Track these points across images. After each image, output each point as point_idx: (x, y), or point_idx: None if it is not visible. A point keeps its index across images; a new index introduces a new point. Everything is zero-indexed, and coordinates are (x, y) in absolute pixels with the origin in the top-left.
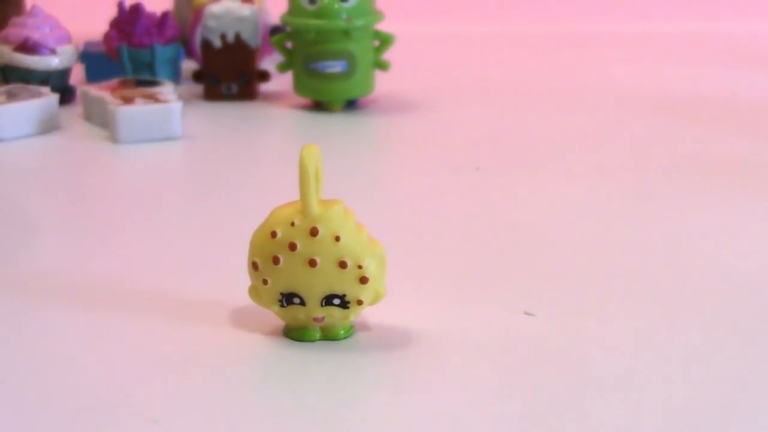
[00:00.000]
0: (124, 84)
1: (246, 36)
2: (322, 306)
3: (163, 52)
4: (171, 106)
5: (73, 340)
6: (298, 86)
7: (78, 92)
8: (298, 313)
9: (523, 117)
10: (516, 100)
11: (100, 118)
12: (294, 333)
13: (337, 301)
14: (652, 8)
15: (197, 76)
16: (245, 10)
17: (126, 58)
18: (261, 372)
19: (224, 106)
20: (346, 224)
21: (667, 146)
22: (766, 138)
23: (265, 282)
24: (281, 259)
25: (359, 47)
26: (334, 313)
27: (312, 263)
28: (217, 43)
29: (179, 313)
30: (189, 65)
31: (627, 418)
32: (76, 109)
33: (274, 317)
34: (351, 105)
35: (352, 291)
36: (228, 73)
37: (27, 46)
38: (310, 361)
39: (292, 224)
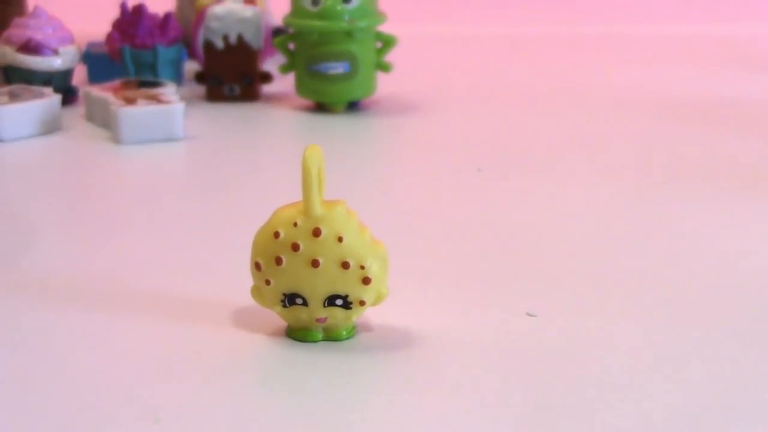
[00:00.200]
0: (126, 85)
1: (248, 37)
2: (324, 306)
3: (165, 53)
4: (173, 107)
5: (74, 340)
6: (301, 88)
7: (80, 93)
8: (300, 313)
9: (524, 119)
10: (517, 101)
11: (102, 119)
12: (296, 333)
13: (339, 302)
14: (653, 10)
15: (199, 78)
16: (248, 11)
17: (128, 59)
18: (263, 372)
19: (226, 107)
20: (348, 225)
21: (667, 148)
22: (766, 140)
23: (267, 282)
24: (284, 260)
25: (361, 49)
26: (337, 313)
27: (315, 264)
28: (219, 44)
29: (181, 313)
30: (191, 66)
31: (628, 419)
32: (78, 110)
33: (276, 318)
34: (353, 106)
35: (354, 291)
36: (230, 74)
37: (29, 47)
38: (313, 361)
39: (295, 225)
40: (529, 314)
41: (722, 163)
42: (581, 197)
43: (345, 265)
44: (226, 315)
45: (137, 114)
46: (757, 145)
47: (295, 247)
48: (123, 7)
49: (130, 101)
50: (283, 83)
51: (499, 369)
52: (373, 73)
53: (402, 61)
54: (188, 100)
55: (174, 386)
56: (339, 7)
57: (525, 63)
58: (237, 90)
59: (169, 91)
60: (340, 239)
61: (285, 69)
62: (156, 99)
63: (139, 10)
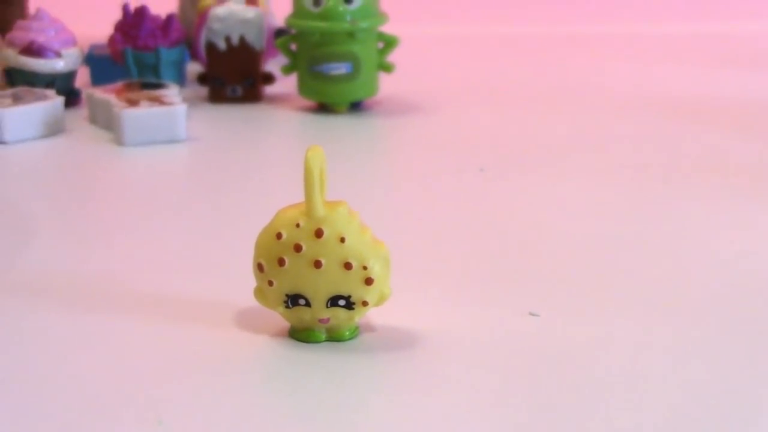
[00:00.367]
0: (129, 87)
1: (250, 38)
2: (327, 307)
3: (167, 55)
4: (176, 109)
5: (77, 341)
6: (303, 88)
7: (83, 95)
8: (303, 314)
9: (526, 118)
10: (520, 101)
11: (105, 121)
12: (299, 334)
13: (342, 302)
14: (654, 11)
15: (202, 79)
16: (250, 12)
17: (131, 60)
18: (266, 373)
19: (229, 108)
20: (350, 225)
21: (670, 147)
22: (766, 140)
23: (270, 283)
24: (286, 261)
25: (363, 49)
26: (340, 314)
27: (317, 264)
28: (221, 45)
29: (184, 314)
30: (194, 68)
31: (629, 419)
32: (81, 112)
33: (279, 318)
34: (355, 107)
35: (357, 292)
36: (233, 75)
37: (32, 49)
38: (316, 362)
39: (297, 226)
40: (531, 314)
41: (722, 163)
42: (583, 197)
43: (347, 266)
44: (229, 316)
45: (140, 116)
46: (757, 145)
47: (298, 248)
48: (125, 8)
49: (132, 103)
50: (285, 84)
51: (501, 369)
52: (375, 74)
53: (404, 62)
54: (191, 102)
55: (177, 387)
56: (341, 8)
57: (527, 63)
58: (239, 91)
59: (171, 92)
60: (342, 240)
61: (287, 70)
62: (159, 101)
63: (142, 11)
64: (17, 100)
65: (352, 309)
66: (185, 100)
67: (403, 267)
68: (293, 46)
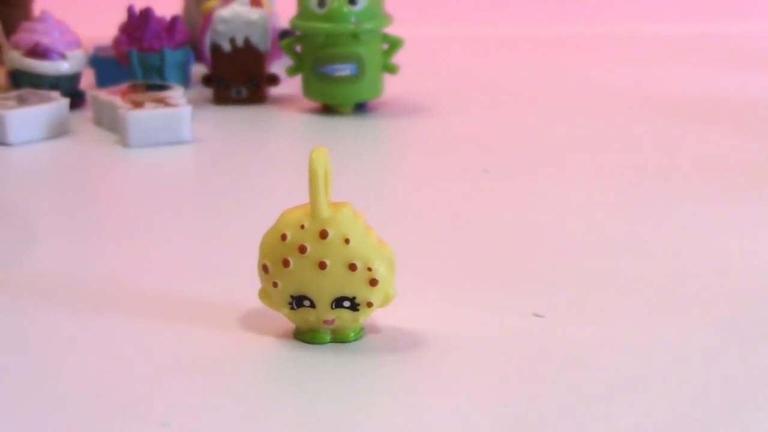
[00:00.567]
0: (133, 88)
1: (255, 40)
2: (332, 308)
3: (172, 57)
4: (180, 110)
5: (82, 343)
6: (308, 90)
7: (88, 97)
8: (308, 315)
9: (531, 119)
10: (524, 102)
11: (110, 123)
12: (304, 335)
13: (347, 304)
14: (654, 11)
15: (207, 80)
16: (254, 14)
17: (136, 62)
18: (271, 374)
19: (234, 109)
20: (355, 227)
21: (676, 148)
22: (766, 139)
23: (275, 285)
24: (291, 262)
25: (368, 51)
26: (344, 315)
27: (322, 266)
28: (226, 47)
29: (189, 315)
30: (198, 69)
31: (630, 419)
32: (86, 114)
33: (284, 320)
34: (360, 108)
35: (362, 293)
36: (237, 77)
37: (37, 51)
38: (321, 363)
39: (302, 227)
40: (536, 315)
41: (722, 163)
42: (588, 197)
43: (352, 267)
44: (234, 317)
45: (145, 117)
46: (757, 145)
47: (302, 249)
48: (130, 10)
49: (137, 105)
50: (290, 85)
51: (506, 370)
52: (379, 75)
53: (409, 63)
54: (195, 103)
55: (182, 389)
56: (345, 9)
57: (530, 64)
58: (244, 92)
59: (176, 94)
60: (347, 241)
61: (292, 71)
62: (163, 102)
63: (146, 13)
64: (22, 102)
65: (357, 310)
66: (190, 101)
67: (408, 268)
68: (298, 48)
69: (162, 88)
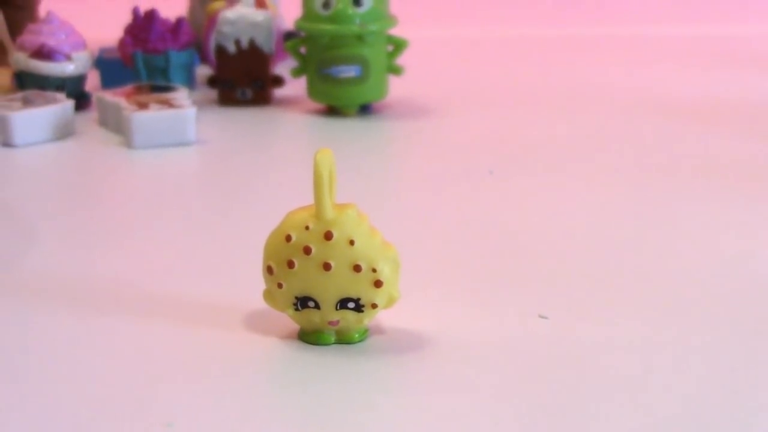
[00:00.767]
0: (138, 90)
1: (260, 41)
2: (336, 309)
3: (177, 58)
4: (185, 112)
5: (86, 344)
6: (312, 91)
7: (93, 98)
8: (312, 316)
9: (535, 121)
10: (528, 104)
11: (115, 124)
12: (309, 336)
13: (351, 305)
14: (655, 11)
15: (211, 82)
16: (259, 15)
17: (141, 64)
18: (275, 375)
19: (238, 111)
20: (359, 228)
21: (678, 149)
22: (766, 140)
23: (279, 286)
24: (296, 263)
25: (373, 52)
26: (349, 316)
27: (326, 267)
28: (231, 48)
29: (194, 316)
30: (203, 71)
31: (631, 419)
32: (91, 115)
33: (289, 321)
34: (364, 110)
35: (366, 294)
36: (242, 78)
37: (42, 53)
38: (325, 364)
39: (307, 228)
40: (541, 316)
41: (722, 163)
42: (593, 198)
43: (357, 268)
44: (239, 318)
45: (150, 119)
46: (757, 145)
47: (307, 251)
48: (135, 12)
49: (142, 106)
50: (294, 87)
51: (510, 371)
52: (384, 77)
53: (413, 65)
54: (200, 105)
55: (186, 389)
56: (350, 11)
57: (534, 65)
58: (249, 94)
59: (181, 95)
60: (351, 242)
61: (296, 73)
62: (168, 103)
63: (151, 15)
64: (27, 103)
65: (362, 311)
66: (195, 103)
67: (413, 269)
68: (303, 49)
69: (167, 89)
